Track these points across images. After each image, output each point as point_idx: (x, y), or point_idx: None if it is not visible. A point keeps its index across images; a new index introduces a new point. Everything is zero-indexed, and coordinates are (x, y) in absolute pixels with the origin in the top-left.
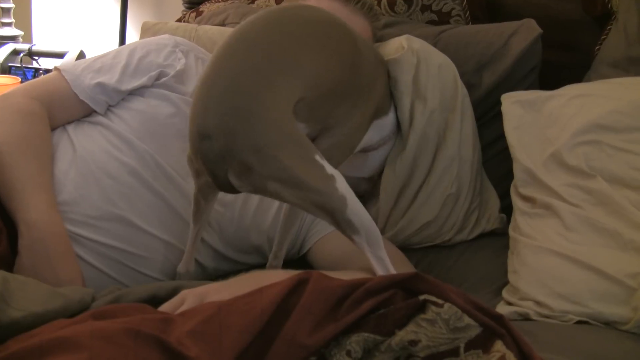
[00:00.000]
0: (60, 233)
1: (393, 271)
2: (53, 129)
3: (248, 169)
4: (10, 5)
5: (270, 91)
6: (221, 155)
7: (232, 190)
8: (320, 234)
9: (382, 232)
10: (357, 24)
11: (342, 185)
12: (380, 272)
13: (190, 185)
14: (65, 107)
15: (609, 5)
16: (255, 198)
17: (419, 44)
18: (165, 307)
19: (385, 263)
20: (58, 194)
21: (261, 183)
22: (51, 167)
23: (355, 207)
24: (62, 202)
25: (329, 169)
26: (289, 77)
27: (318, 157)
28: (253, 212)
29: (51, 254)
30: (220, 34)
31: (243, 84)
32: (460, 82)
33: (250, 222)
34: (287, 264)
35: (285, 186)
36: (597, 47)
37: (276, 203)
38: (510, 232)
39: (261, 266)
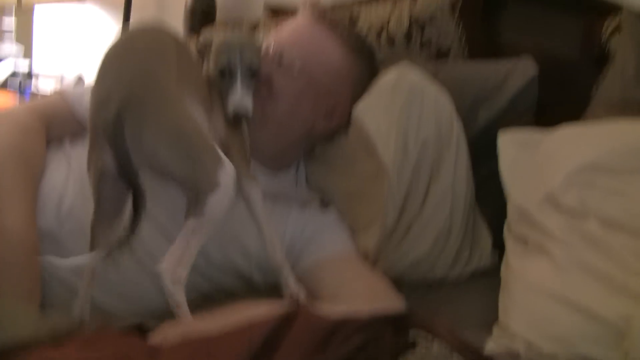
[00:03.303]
0: (30, 243)
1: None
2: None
3: (143, 124)
4: (12, 23)
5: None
6: (118, 114)
7: (128, 170)
8: (317, 254)
9: (375, 265)
10: (334, 55)
11: (225, 171)
12: (175, 250)
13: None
14: (64, 126)
15: (607, 47)
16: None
17: (416, 74)
18: (153, 338)
19: (189, 251)
20: (60, 204)
21: (154, 144)
22: (38, 182)
23: (218, 199)
24: (67, 212)
25: (221, 153)
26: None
27: (208, 136)
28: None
29: (16, 260)
30: None
31: (136, 64)
32: (456, 117)
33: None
34: None
35: (175, 150)
36: (594, 88)
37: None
38: (502, 270)
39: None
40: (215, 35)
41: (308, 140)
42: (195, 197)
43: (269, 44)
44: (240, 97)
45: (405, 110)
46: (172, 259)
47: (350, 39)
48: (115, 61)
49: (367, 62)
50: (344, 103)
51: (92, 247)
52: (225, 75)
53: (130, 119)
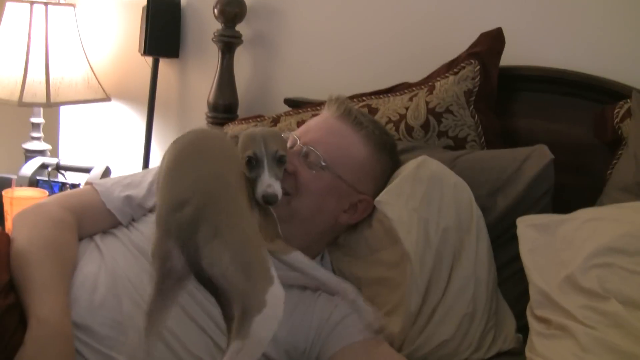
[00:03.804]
0: (66, 335)
1: None
2: (81, 238)
3: (215, 233)
4: (41, 120)
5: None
6: (195, 219)
7: (197, 269)
8: (344, 340)
9: (400, 349)
10: (358, 152)
11: (274, 293)
12: None
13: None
14: (94, 217)
15: (620, 132)
16: None
17: (435, 164)
18: None
19: None
20: (93, 295)
21: (221, 252)
22: (71, 274)
23: (265, 319)
24: (99, 304)
25: (273, 270)
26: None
27: (265, 253)
28: None
29: (53, 351)
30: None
31: (209, 168)
32: (475, 204)
33: None
34: None
35: (237, 262)
36: (609, 172)
37: None
38: (527, 352)
39: None
40: (241, 129)
41: (332, 232)
42: (241, 316)
43: (295, 139)
44: (268, 182)
45: (426, 200)
46: None
47: (374, 134)
48: (188, 164)
49: (389, 157)
50: (367, 196)
51: (149, 333)
52: (252, 164)
53: (206, 225)
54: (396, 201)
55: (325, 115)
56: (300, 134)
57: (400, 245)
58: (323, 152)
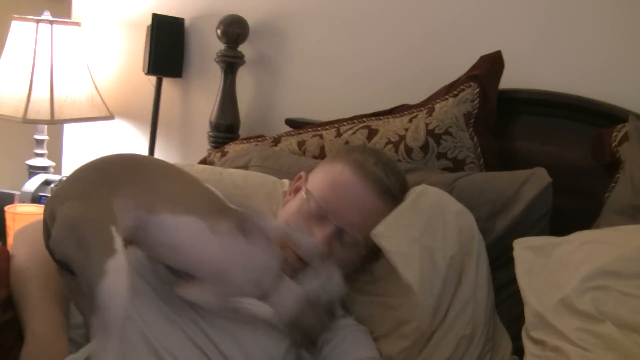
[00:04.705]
0: (61, 352)
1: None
2: None
3: (55, 217)
4: (45, 137)
5: None
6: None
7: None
8: None
9: None
10: (375, 211)
11: (115, 264)
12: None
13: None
14: None
15: (618, 155)
16: None
17: (434, 192)
18: None
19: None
20: None
21: (57, 232)
22: None
23: (108, 287)
24: None
25: (118, 244)
26: None
27: (114, 229)
28: None
29: None
30: (244, 179)
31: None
32: (476, 228)
33: None
34: None
35: (68, 238)
36: (606, 195)
37: None
38: None
39: None
40: (242, 149)
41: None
42: (89, 291)
43: (305, 187)
44: None
45: (430, 230)
46: None
47: (388, 181)
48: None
49: (400, 199)
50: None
51: None
52: None
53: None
54: (394, 233)
55: (337, 170)
56: (313, 185)
57: (400, 276)
58: (352, 226)
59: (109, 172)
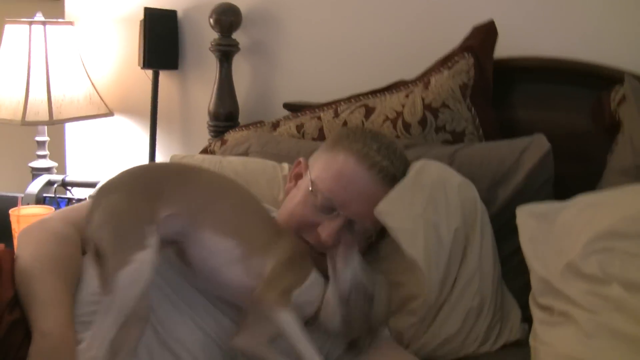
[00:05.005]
0: (69, 349)
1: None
2: (85, 252)
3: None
4: (46, 138)
5: None
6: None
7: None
8: None
9: (407, 347)
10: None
11: (142, 257)
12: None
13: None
14: None
15: (617, 117)
16: None
17: (435, 167)
18: None
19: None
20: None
21: (97, 216)
22: (75, 288)
23: (128, 276)
24: None
25: (152, 242)
26: None
27: (152, 228)
28: None
29: None
30: (244, 166)
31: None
32: (479, 200)
33: None
34: None
35: (105, 224)
36: (607, 156)
37: None
38: (531, 341)
39: None
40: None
41: None
42: (108, 272)
43: (308, 176)
44: None
45: (432, 205)
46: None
47: (393, 167)
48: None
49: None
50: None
51: None
52: None
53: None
54: (397, 209)
55: (340, 162)
56: (316, 176)
57: (404, 252)
58: (358, 216)
59: (160, 177)
